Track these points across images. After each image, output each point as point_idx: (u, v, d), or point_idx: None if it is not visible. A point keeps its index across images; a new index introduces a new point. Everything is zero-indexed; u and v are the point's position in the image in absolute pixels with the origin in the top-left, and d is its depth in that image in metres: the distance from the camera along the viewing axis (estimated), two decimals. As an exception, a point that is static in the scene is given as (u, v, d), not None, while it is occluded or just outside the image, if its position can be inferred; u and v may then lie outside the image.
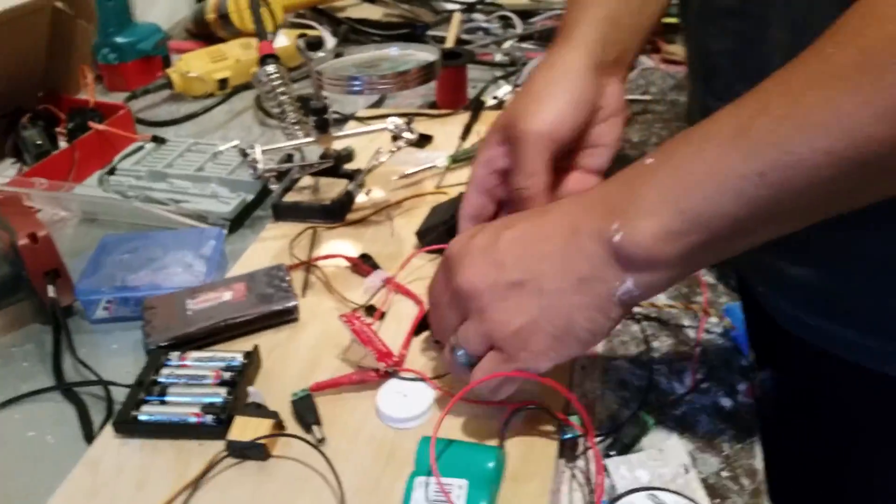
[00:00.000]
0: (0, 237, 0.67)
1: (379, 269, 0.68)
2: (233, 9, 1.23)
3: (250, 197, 0.83)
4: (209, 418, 0.53)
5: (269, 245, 0.74)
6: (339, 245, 0.74)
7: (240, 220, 0.81)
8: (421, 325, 0.60)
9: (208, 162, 0.89)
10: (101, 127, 0.95)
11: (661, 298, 0.67)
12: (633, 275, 0.43)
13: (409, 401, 0.53)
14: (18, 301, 0.67)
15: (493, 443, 0.49)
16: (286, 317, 0.63)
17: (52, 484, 0.51)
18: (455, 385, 0.53)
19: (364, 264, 0.68)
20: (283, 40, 1.14)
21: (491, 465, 0.44)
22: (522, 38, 1.24)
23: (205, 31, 1.33)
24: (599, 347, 0.62)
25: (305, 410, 0.54)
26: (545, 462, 0.49)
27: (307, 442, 0.50)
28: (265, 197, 0.83)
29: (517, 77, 1.09)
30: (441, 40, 1.22)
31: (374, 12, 1.40)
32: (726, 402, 0.57)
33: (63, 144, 0.95)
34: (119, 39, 1.17)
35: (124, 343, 0.65)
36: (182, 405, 0.54)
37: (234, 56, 1.16)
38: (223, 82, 1.15)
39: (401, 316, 0.63)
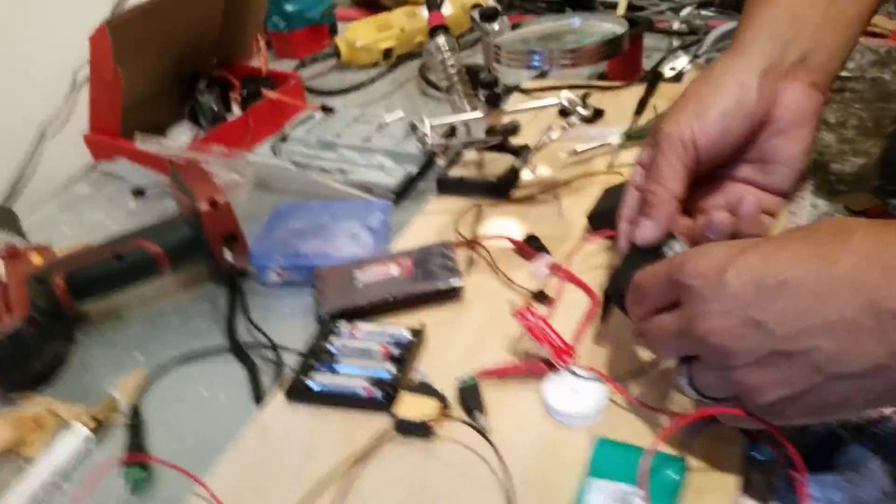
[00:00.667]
0: (181, 201, 0.71)
1: (545, 252, 0.65)
2: (400, -23, 1.23)
3: (415, 170, 0.82)
4: (378, 393, 0.53)
5: (432, 220, 0.73)
6: (504, 223, 0.72)
7: (404, 193, 0.81)
8: (606, 307, 0.58)
9: (375, 133, 0.89)
10: (273, 95, 0.98)
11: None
12: None
13: (580, 397, 0.51)
14: (195, 263, 0.70)
15: (674, 452, 0.45)
16: (451, 295, 0.62)
17: (221, 443, 0.53)
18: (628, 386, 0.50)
19: (529, 247, 0.66)
20: (448, 8, 1.12)
21: (676, 477, 0.41)
22: (702, 5, 1.15)
23: (369, 1, 1.34)
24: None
25: (472, 397, 0.52)
26: (728, 480, 0.45)
27: (475, 428, 0.49)
28: (428, 170, 0.82)
29: (698, 47, 1.01)
30: (612, 6, 1.16)
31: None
32: None
33: (236, 110, 0.99)
34: (288, 7, 1.20)
35: (295, 308, 0.67)
36: (352, 377, 0.55)
37: (400, 25, 1.16)
38: (388, 52, 1.15)
39: (569, 305, 0.60)
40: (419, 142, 0.70)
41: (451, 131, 0.86)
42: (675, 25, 1.10)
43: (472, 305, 0.62)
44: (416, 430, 0.50)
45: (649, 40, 1.07)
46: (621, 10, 1.14)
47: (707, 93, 0.53)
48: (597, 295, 0.60)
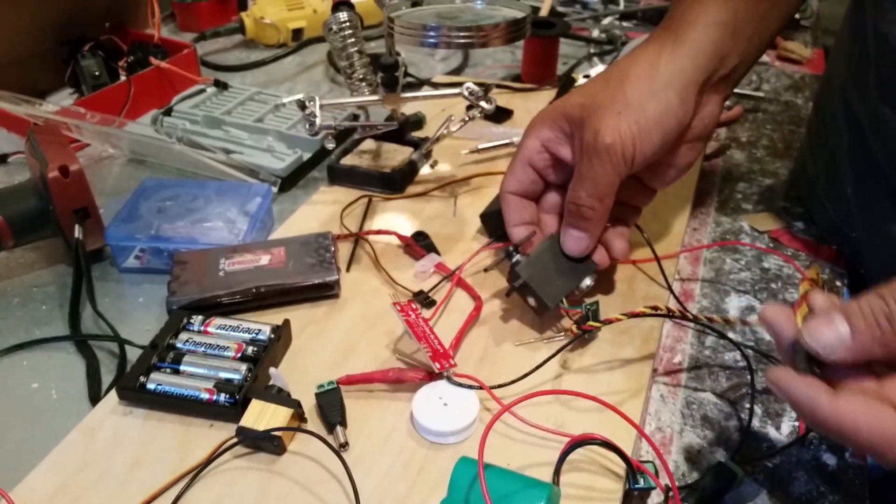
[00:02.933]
0: (32, 167, 0.62)
1: (434, 251, 0.60)
2: (316, -44, 1.16)
3: (307, 155, 0.76)
4: (223, 397, 0.46)
5: (319, 209, 0.67)
6: (395, 219, 0.66)
7: (293, 179, 0.74)
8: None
9: (269, 114, 0.83)
10: (162, 64, 0.90)
11: (762, 329, 0.57)
12: None
13: (451, 411, 0.45)
14: (44, 238, 0.62)
15: (546, 478, 0.40)
16: (325, 291, 0.55)
17: (48, 444, 0.45)
18: (516, 394, 0.45)
19: (417, 244, 0.61)
20: (365, -6, 1.07)
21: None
22: (624, 16, 1.14)
23: (286, -20, 1.26)
24: (681, 385, 0.53)
25: (330, 406, 0.46)
26: (605, 508, 0.41)
27: (327, 444, 0.43)
28: (323, 157, 0.76)
29: (614, 56, 0.99)
30: (535, 11, 1.12)
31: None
32: (829, 460, 0.47)
33: (123, 78, 0.90)
34: (194, -23, 1.12)
35: (152, 298, 0.59)
36: (196, 377, 0.48)
37: (312, 5, 1.09)
38: (298, 32, 1.08)
39: (452, 309, 0.55)
40: (307, 122, 0.64)
41: (353, 119, 0.80)
42: (595, 33, 1.08)
43: (348, 304, 0.56)
44: (263, 442, 0.44)
45: (568, 48, 1.04)
46: (544, 12, 1.11)
47: (648, 100, 0.49)
48: (482, 299, 0.55)
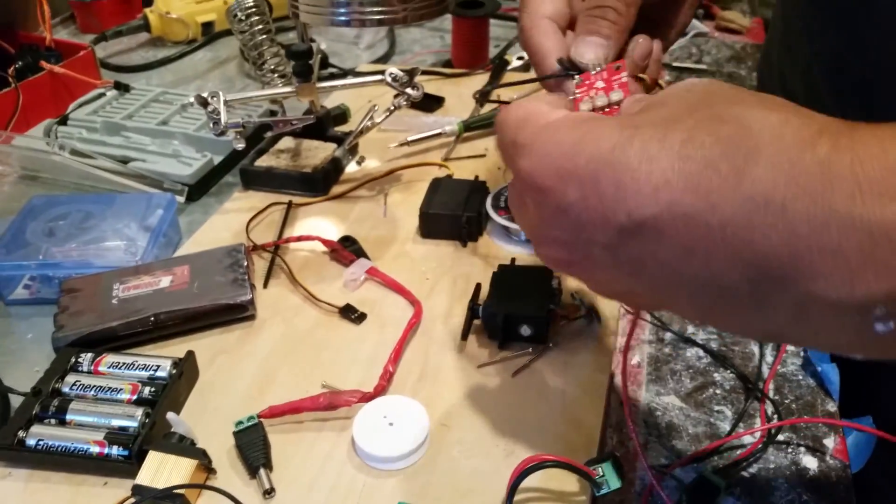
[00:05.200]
0: None
1: (364, 257, 0.54)
2: (224, -57, 1.07)
3: (219, 158, 0.69)
4: (115, 450, 0.39)
5: (232, 218, 0.60)
6: (319, 223, 0.59)
7: (203, 186, 0.67)
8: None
9: (175, 115, 0.75)
10: (55, 68, 0.81)
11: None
12: (873, 352, 0.26)
13: (397, 432, 0.39)
14: None
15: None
16: (238, 313, 0.48)
17: None
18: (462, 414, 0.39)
19: (345, 249, 0.54)
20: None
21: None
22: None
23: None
24: (642, 389, 0.47)
25: (251, 446, 0.40)
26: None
27: (235, 501, 0.36)
28: (238, 160, 0.69)
29: (547, 36, 0.93)
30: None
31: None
32: (810, 462, 0.42)
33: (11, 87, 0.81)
34: (92, -28, 1.03)
35: (44, 334, 0.51)
36: (85, 428, 0.41)
37: (222, -4, 1.01)
38: (208, 26, 1.00)
39: (386, 319, 0.49)
40: (210, 120, 0.56)
41: (272, 114, 0.73)
42: (527, 13, 1.02)
43: (266, 325, 0.49)
44: (164, 502, 0.37)
45: (499, 29, 0.98)
46: (471, -6, 1.05)
47: None
48: (420, 305, 0.49)
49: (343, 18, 0.47)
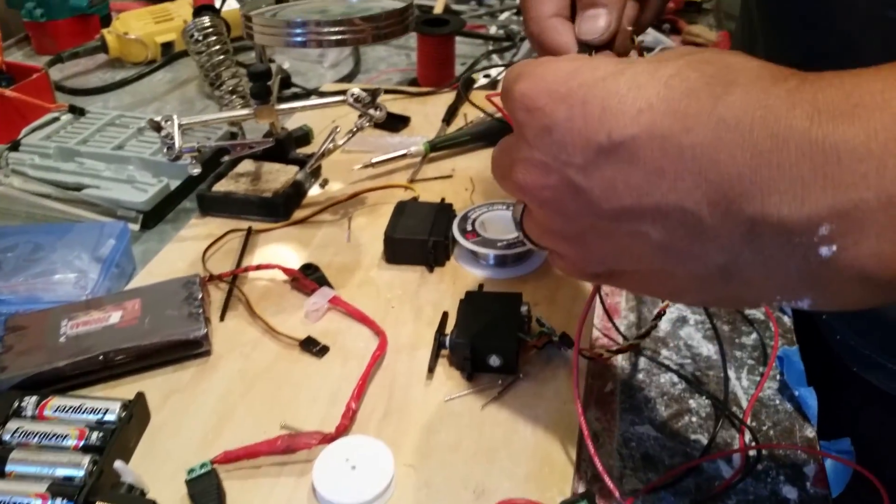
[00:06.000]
0: None
1: (326, 285, 0.52)
2: (184, -38, 1.05)
3: (176, 183, 0.66)
4: (59, 503, 0.36)
5: (188, 247, 0.57)
6: (280, 250, 0.57)
7: (159, 213, 0.64)
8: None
9: (131, 139, 0.72)
10: (7, 92, 0.78)
11: (696, 338, 0.51)
12: (820, 292, 0.27)
13: (360, 476, 0.37)
14: None
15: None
16: (192, 349, 0.46)
17: None
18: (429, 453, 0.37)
19: (306, 278, 0.52)
20: (235, 3, 0.97)
21: None
22: (520, 10, 1.08)
23: (155, -10, 1.15)
24: (616, 419, 0.46)
25: (205, 496, 0.37)
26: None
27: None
28: (196, 184, 0.66)
29: (514, 53, 0.93)
30: (428, 10, 1.05)
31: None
32: (790, 493, 0.41)
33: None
34: (47, -7, 1.00)
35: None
36: (27, 479, 0.38)
37: (182, 16, 0.99)
38: (167, 46, 0.98)
39: (350, 352, 0.47)
40: (164, 145, 0.54)
41: (231, 136, 0.71)
42: (492, 30, 1.02)
43: (222, 362, 0.46)
44: (109, 558, 0.34)
45: (465, 47, 0.97)
46: (438, 9, 1.04)
47: None
48: (387, 336, 0.47)
49: (299, 39, 0.45)
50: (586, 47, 0.39)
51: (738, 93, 0.26)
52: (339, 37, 0.45)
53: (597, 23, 0.38)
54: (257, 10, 0.51)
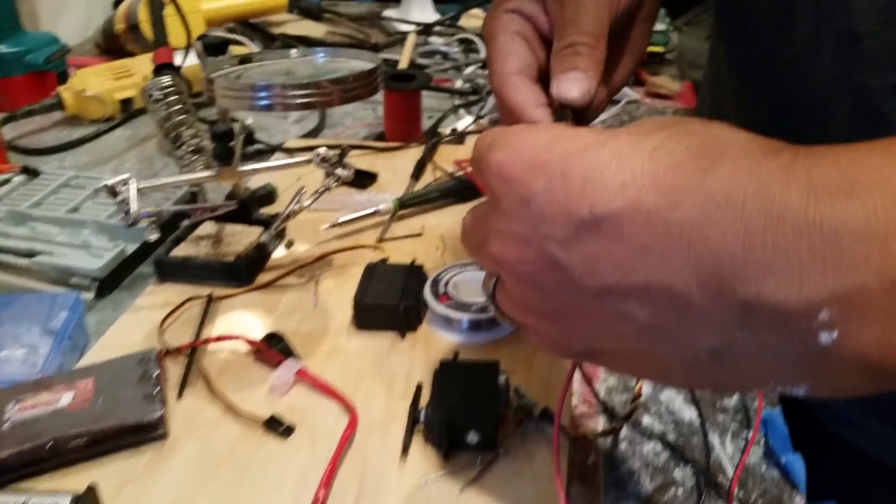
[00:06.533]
0: None
1: (292, 356, 0.49)
2: (144, 18, 1.04)
3: (133, 247, 0.63)
4: None
5: (144, 317, 0.54)
6: (243, 318, 0.55)
7: (115, 279, 0.61)
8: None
9: (86, 201, 0.69)
10: (-45, 153, 0.75)
11: (677, 402, 0.49)
12: (818, 379, 0.25)
13: None
14: None
15: None
16: (147, 434, 0.43)
17: None
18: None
19: (271, 349, 0.49)
20: (195, 58, 0.95)
21: None
22: (486, 65, 1.08)
23: (115, 46, 1.14)
24: (600, 495, 0.44)
25: None
26: None
27: None
28: (155, 247, 0.64)
29: (480, 107, 0.92)
30: (394, 64, 1.05)
31: (317, 30, 1.22)
32: (784, 569, 0.39)
33: None
34: (2, 48, 0.97)
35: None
36: (-40, 589, 0.34)
37: (142, 72, 0.97)
38: (126, 103, 0.95)
39: (318, 431, 0.44)
40: (119, 210, 0.52)
41: (191, 198, 0.69)
42: (458, 84, 1.02)
43: (180, 445, 0.43)
44: None
45: (431, 100, 0.97)
46: (404, 65, 1.04)
47: None
48: (357, 412, 0.44)
49: (265, 103, 0.43)
50: (561, 109, 0.38)
51: (727, 167, 0.25)
52: (307, 100, 0.43)
53: (577, 86, 0.38)
54: (219, 71, 0.49)
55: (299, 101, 0.43)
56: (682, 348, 0.27)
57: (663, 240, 0.25)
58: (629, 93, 0.98)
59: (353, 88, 0.44)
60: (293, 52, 0.52)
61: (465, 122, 0.88)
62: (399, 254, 0.62)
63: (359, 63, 0.49)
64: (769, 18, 0.43)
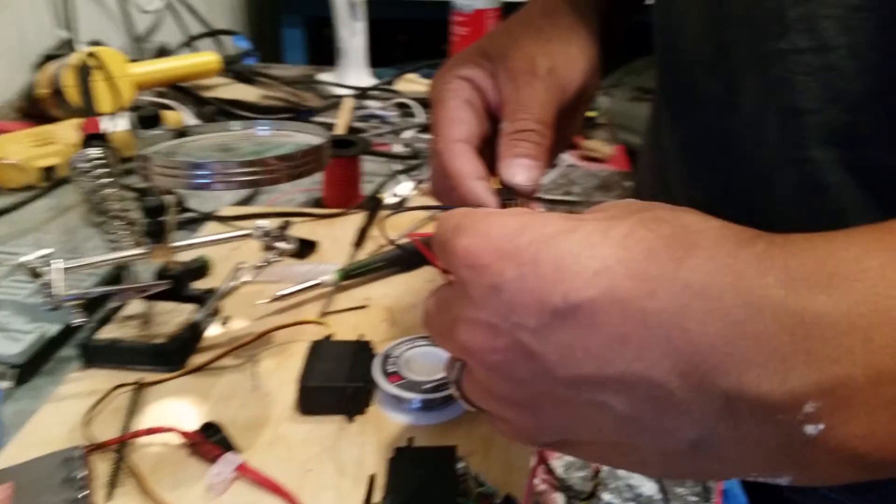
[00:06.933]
0: None
1: (231, 449, 0.46)
2: (69, 83, 1.00)
3: (55, 328, 0.59)
4: None
5: (67, 408, 0.50)
6: (175, 407, 0.51)
7: (35, 364, 0.56)
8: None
9: (4, 279, 0.65)
10: None
11: (637, 478, 0.48)
12: (802, 469, 0.25)
13: None
14: None
15: None
16: (71, 545, 0.39)
17: None
18: None
19: (207, 441, 0.46)
20: (124, 123, 0.92)
21: None
22: (424, 129, 1.08)
23: (37, 111, 1.09)
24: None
25: None
26: None
27: None
28: (77, 330, 0.59)
29: (420, 171, 0.92)
30: (330, 128, 1.04)
31: (250, 93, 1.20)
32: None
33: None
34: (-90, 115, 0.92)
35: None
36: None
37: (65, 139, 0.92)
38: (49, 171, 0.91)
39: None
40: (42, 293, 0.48)
41: (116, 277, 0.65)
42: (397, 149, 1.01)
43: (109, 555, 0.39)
44: None
45: (371, 164, 0.96)
46: (341, 130, 1.03)
47: (567, 32, 0.45)
48: (302, 513, 0.41)
49: (206, 181, 0.41)
50: (506, 190, 0.38)
51: (701, 256, 0.25)
52: (251, 178, 0.41)
53: (526, 173, 0.39)
54: (154, 145, 0.47)
55: (243, 178, 0.41)
56: (661, 439, 0.26)
57: (641, 330, 0.25)
58: (565, 158, 0.99)
59: (302, 165, 0.42)
60: (234, 124, 0.50)
61: (405, 187, 0.87)
62: (344, 328, 0.59)
63: (305, 136, 0.47)
64: (715, 95, 0.43)
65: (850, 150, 0.36)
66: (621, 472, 0.48)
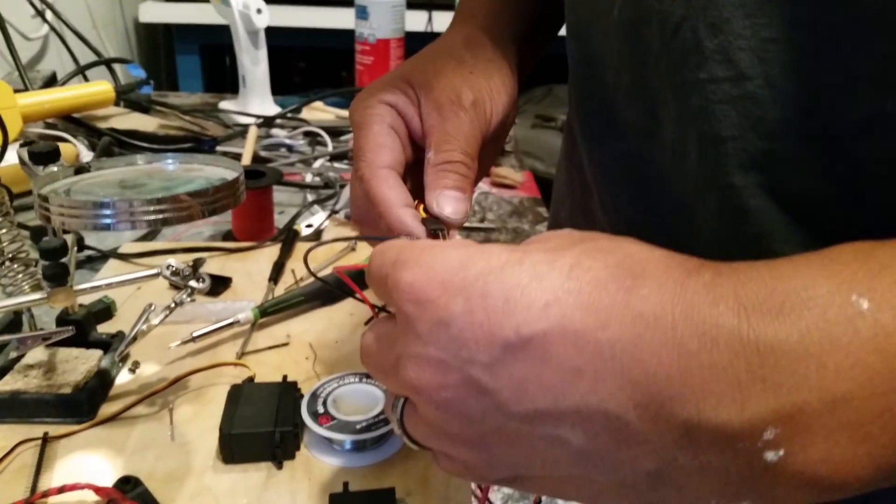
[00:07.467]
0: None
1: (152, 503, 0.42)
2: (-54, 113, 0.92)
3: (-59, 384, 0.53)
4: None
5: (-39, 472, 0.45)
6: (87, 462, 0.47)
7: (-83, 426, 0.51)
8: None
9: None
10: None
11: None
12: (762, 495, 0.24)
13: None
14: None
15: None
16: None
17: None
18: None
19: (125, 498, 0.42)
20: (13, 157, 0.85)
21: None
22: (335, 157, 1.07)
23: None
24: None
25: None
26: None
27: None
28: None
29: (335, 201, 0.90)
30: (237, 158, 1.01)
31: (148, 123, 1.15)
32: None
33: None
34: None
35: None
36: None
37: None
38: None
39: None
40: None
41: (10, 325, 0.60)
42: (309, 178, 0.99)
43: None
44: None
45: (282, 195, 0.93)
46: (247, 160, 1.00)
47: (490, 63, 0.45)
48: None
49: (110, 221, 0.38)
50: (432, 219, 0.39)
51: (650, 285, 0.25)
52: (161, 216, 0.38)
53: (455, 205, 0.39)
54: (52, 183, 0.43)
55: (152, 217, 0.38)
56: (619, 472, 0.26)
57: (595, 361, 0.24)
58: (479, 185, 1.00)
59: (216, 201, 0.40)
60: (138, 157, 0.47)
61: (319, 217, 0.85)
62: (265, 368, 0.57)
63: (216, 170, 0.44)
64: (636, 123, 0.44)
65: (769, 175, 0.37)
66: (559, 500, 0.48)
